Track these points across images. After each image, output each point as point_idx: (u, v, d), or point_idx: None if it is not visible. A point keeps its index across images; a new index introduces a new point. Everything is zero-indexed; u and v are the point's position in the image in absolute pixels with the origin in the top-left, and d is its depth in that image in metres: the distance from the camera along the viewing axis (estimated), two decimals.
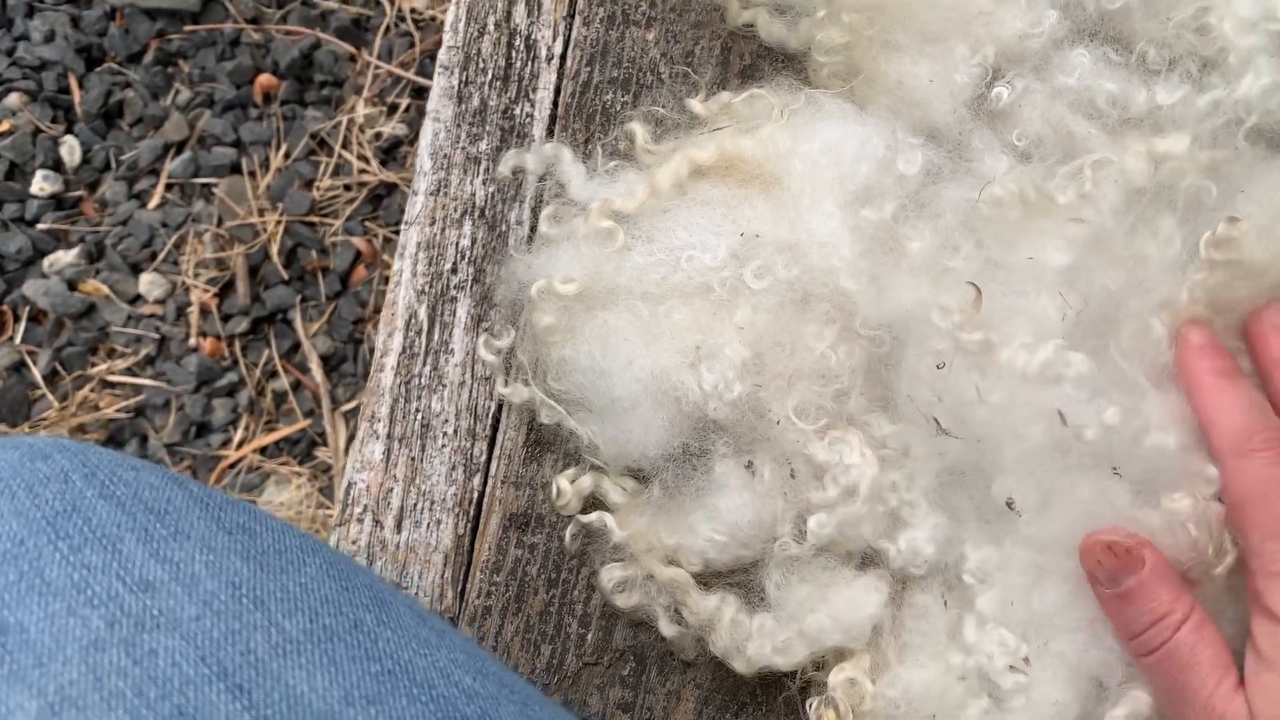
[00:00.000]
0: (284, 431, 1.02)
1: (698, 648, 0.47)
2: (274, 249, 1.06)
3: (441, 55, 0.64)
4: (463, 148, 0.61)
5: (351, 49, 1.10)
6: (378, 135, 1.07)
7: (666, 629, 0.46)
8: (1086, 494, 0.39)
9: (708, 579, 0.47)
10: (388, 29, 1.10)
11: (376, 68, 1.08)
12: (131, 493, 0.34)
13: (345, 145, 1.07)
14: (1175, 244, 0.45)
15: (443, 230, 0.61)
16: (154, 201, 1.09)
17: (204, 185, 1.09)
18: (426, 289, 0.59)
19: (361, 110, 1.07)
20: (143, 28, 1.12)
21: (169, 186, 1.09)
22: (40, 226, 1.10)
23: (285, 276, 1.06)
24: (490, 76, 0.62)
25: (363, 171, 1.06)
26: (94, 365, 1.06)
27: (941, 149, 0.49)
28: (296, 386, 1.04)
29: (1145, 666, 0.39)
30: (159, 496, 0.35)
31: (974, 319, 0.41)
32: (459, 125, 0.62)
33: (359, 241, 1.06)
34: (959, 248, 0.46)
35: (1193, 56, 0.50)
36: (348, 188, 1.06)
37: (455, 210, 0.61)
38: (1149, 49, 0.50)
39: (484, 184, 0.60)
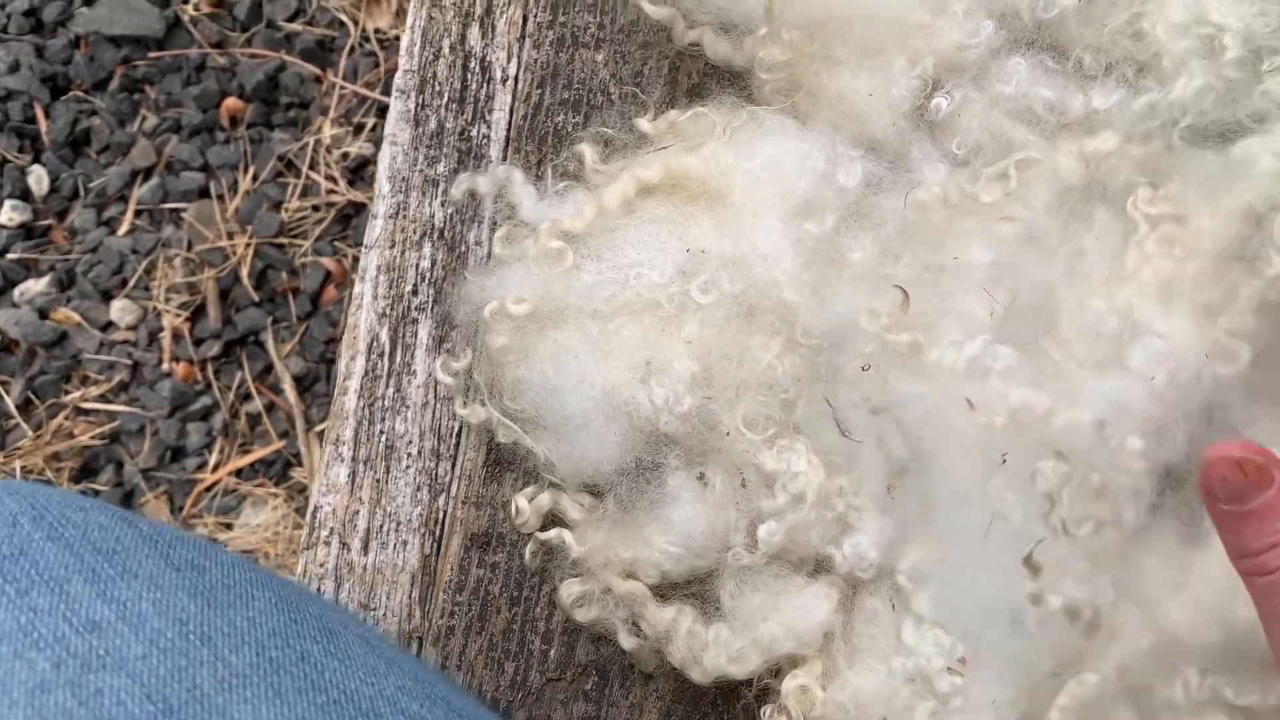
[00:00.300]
0: (259, 453, 1.02)
1: (657, 659, 0.48)
2: (244, 271, 1.06)
3: (397, 79, 0.65)
4: (420, 170, 0.62)
5: (317, 70, 1.11)
6: (345, 155, 1.07)
7: (626, 642, 0.47)
8: (1000, 484, 0.39)
9: (665, 591, 0.48)
10: (352, 49, 1.10)
11: (342, 88, 1.09)
12: (80, 534, 0.35)
13: (313, 166, 1.07)
14: (1114, 235, 0.46)
15: (403, 253, 0.61)
16: (123, 228, 1.09)
17: (173, 210, 1.09)
18: (388, 311, 0.60)
19: (328, 131, 1.07)
20: (108, 55, 1.12)
21: (138, 213, 1.09)
22: (10, 256, 1.10)
23: (256, 299, 1.07)
24: (446, 99, 0.63)
25: (331, 192, 1.07)
26: (67, 393, 1.06)
27: (882, 160, 0.50)
28: (270, 408, 1.05)
29: (1258, 588, 0.37)
30: (108, 536, 0.36)
31: (901, 321, 0.42)
32: (416, 148, 0.62)
33: (329, 262, 1.06)
34: (899, 255, 0.47)
35: (1128, 61, 0.51)
36: (316, 208, 1.07)
37: (414, 232, 0.61)
38: (1085, 55, 0.52)
39: (442, 206, 0.60)
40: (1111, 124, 0.49)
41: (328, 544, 0.57)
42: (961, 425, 0.41)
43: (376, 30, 1.10)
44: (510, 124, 0.61)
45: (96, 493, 1.05)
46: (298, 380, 1.04)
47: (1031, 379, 0.41)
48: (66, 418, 1.05)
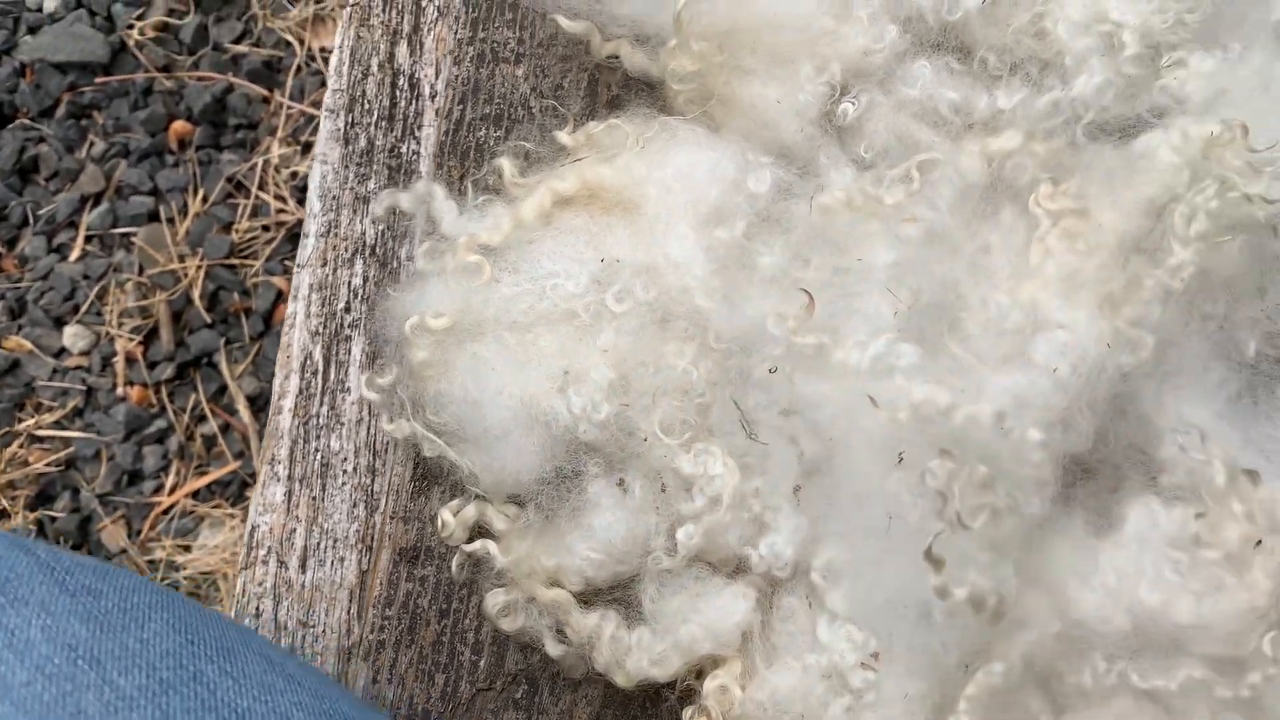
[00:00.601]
0: (215, 474, 1.02)
1: (584, 666, 0.48)
2: (196, 293, 1.06)
3: (326, 99, 0.65)
4: (351, 188, 0.62)
5: (264, 91, 1.11)
6: (294, 174, 1.08)
7: (552, 649, 0.48)
8: (897, 481, 0.40)
9: (589, 597, 0.48)
10: (299, 69, 1.11)
11: (289, 108, 1.09)
12: None
13: (262, 186, 1.08)
14: (1019, 232, 0.47)
15: (334, 270, 0.62)
16: (74, 254, 1.09)
17: (123, 235, 1.09)
18: (321, 329, 0.60)
19: (276, 151, 1.07)
20: (53, 82, 1.12)
21: (88, 238, 1.09)
22: None
23: (209, 320, 1.07)
24: (376, 117, 0.64)
25: (280, 211, 1.07)
26: (21, 421, 1.06)
27: (792, 166, 0.51)
28: (225, 429, 1.05)
29: None
30: (2, 565, 0.36)
31: (807, 323, 0.43)
32: (346, 166, 0.63)
33: (280, 281, 1.06)
34: (809, 259, 0.48)
35: (1032, 60, 0.52)
36: (266, 228, 1.07)
37: (346, 250, 0.62)
38: (989, 56, 0.53)
39: (373, 223, 0.61)
40: (1016, 123, 0.50)
41: (265, 563, 0.58)
42: (868, 424, 0.42)
43: (322, 49, 1.11)
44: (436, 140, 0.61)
45: (53, 520, 1.05)
46: (252, 400, 1.05)
47: (935, 376, 0.41)
48: (21, 445, 1.05)
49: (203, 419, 1.05)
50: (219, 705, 0.35)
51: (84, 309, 1.08)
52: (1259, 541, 0.40)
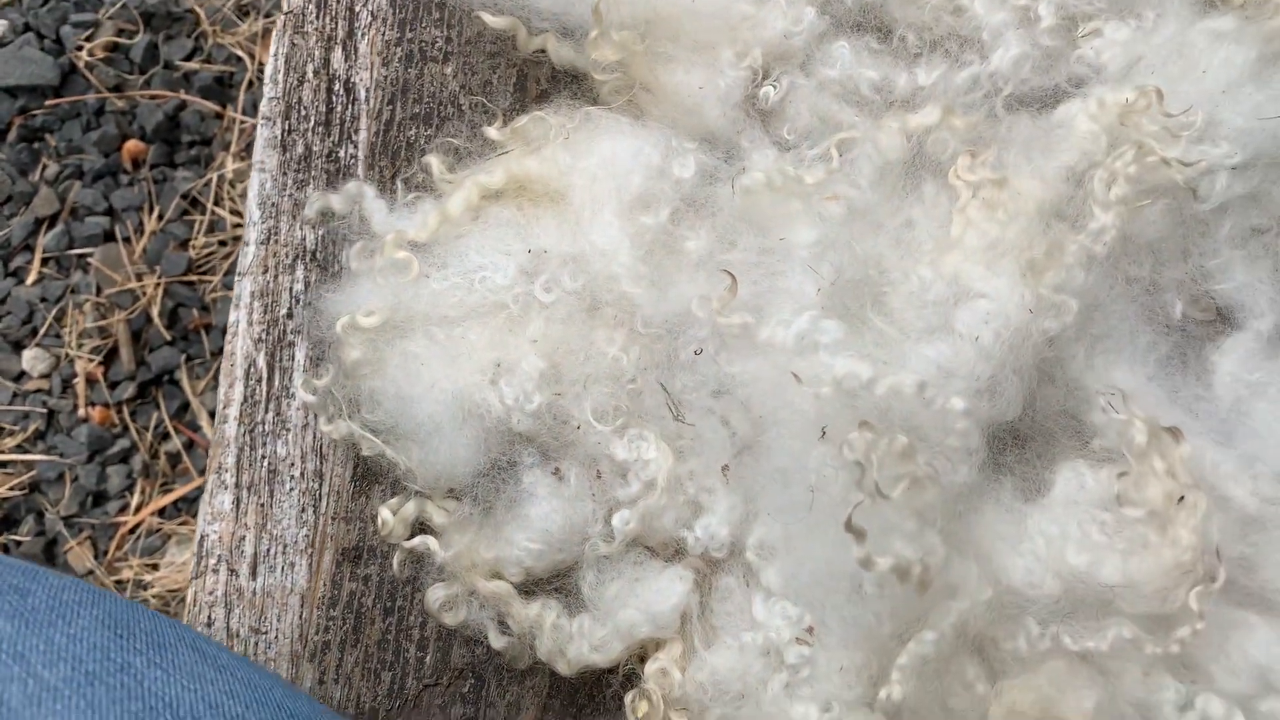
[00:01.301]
0: (180, 491, 1.02)
1: (529, 656, 0.48)
2: (155, 311, 1.06)
3: (263, 107, 0.65)
4: (290, 194, 0.62)
5: (216, 107, 1.11)
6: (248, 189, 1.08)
7: (496, 641, 0.48)
8: (820, 456, 0.40)
9: (530, 587, 0.48)
10: (250, 83, 1.11)
11: (242, 123, 1.09)
12: None
13: (217, 202, 1.07)
14: (942, 206, 0.48)
15: (275, 277, 0.61)
16: (31, 277, 1.09)
17: (80, 256, 1.09)
18: (264, 336, 0.60)
19: (230, 165, 1.07)
20: (3, 106, 1.12)
21: (44, 261, 1.09)
22: None
23: (169, 337, 1.06)
24: (313, 123, 0.64)
25: (236, 226, 1.07)
26: None
27: (717, 151, 0.51)
28: (189, 445, 1.04)
29: None
30: None
31: (730, 304, 0.43)
32: (285, 173, 0.63)
33: (235, 287, 1.06)
34: (735, 242, 0.48)
35: (951, 37, 0.53)
36: (223, 243, 1.07)
37: (287, 256, 0.61)
38: (908, 34, 0.53)
39: (310, 226, 0.61)
40: (937, 99, 0.51)
41: (216, 571, 0.57)
42: (793, 401, 0.42)
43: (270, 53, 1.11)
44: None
45: (19, 544, 1.05)
46: (215, 416, 1.04)
47: (859, 350, 0.42)
48: None
49: (166, 436, 1.05)
50: (145, 694, 0.35)
51: (43, 331, 1.08)
52: (1181, 498, 0.41)
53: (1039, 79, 0.51)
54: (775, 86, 0.51)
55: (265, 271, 0.62)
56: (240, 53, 1.13)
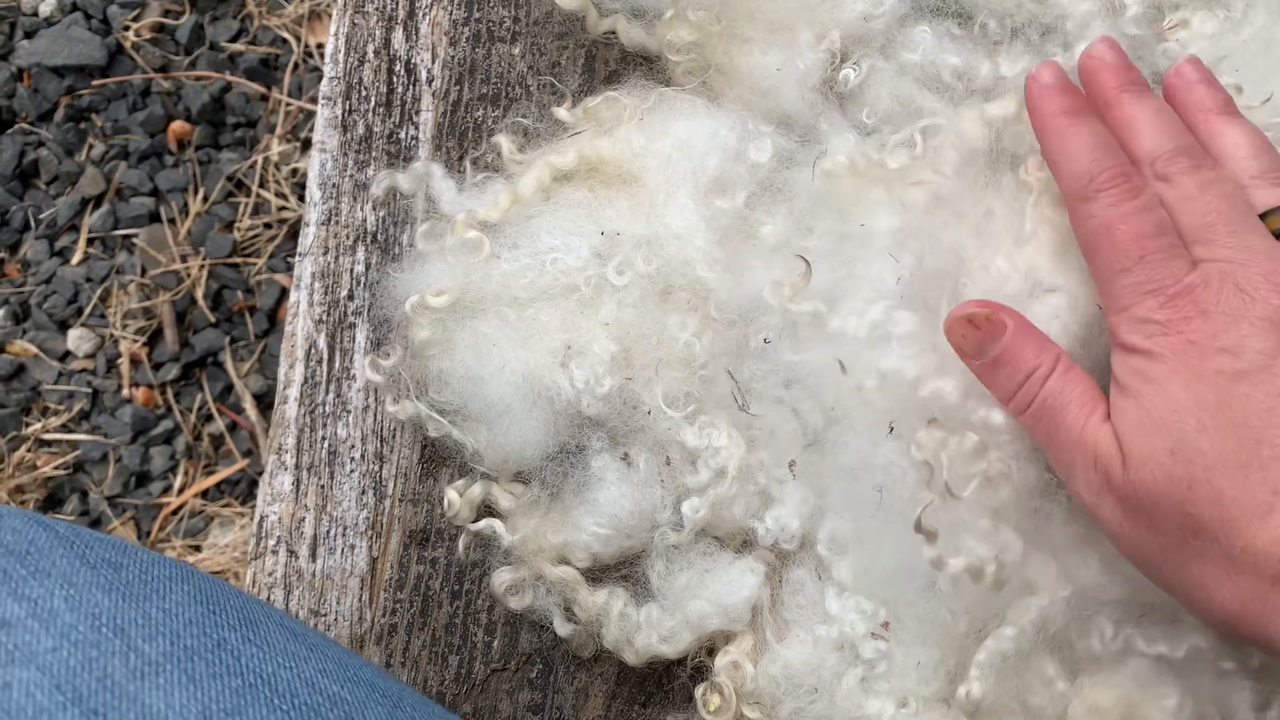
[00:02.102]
0: (224, 473, 1.02)
1: (594, 644, 0.48)
2: (199, 293, 1.06)
3: (324, 86, 0.65)
4: (350, 175, 0.62)
5: (262, 89, 1.11)
6: (294, 171, 1.08)
7: (561, 628, 0.47)
8: (889, 452, 0.39)
9: (597, 574, 0.48)
10: (296, 66, 1.10)
11: (288, 105, 1.09)
12: None
13: (262, 184, 1.07)
14: (1019, 197, 0.47)
15: (336, 258, 0.61)
16: (76, 257, 1.09)
17: (125, 236, 1.09)
18: (324, 318, 0.60)
19: (276, 148, 1.07)
20: (51, 86, 1.12)
21: (90, 241, 1.09)
22: None
23: (213, 319, 1.07)
24: (374, 103, 0.63)
25: (281, 208, 1.07)
26: (28, 425, 1.06)
27: (794, 134, 0.50)
28: (233, 427, 1.04)
29: (1025, 424, 0.41)
30: (21, 539, 0.36)
31: (803, 291, 0.42)
32: (345, 154, 0.62)
33: (283, 278, 1.06)
34: (812, 228, 0.47)
35: (1033, 25, 0.52)
36: (268, 225, 1.07)
37: (348, 237, 0.61)
38: (990, 21, 0.52)
39: (374, 209, 0.60)
40: (1019, 89, 0.50)
41: (275, 553, 0.57)
42: (863, 394, 0.41)
43: (319, 45, 1.11)
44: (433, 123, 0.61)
45: None
46: (259, 398, 1.04)
47: (930, 344, 0.41)
48: (28, 450, 1.05)
49: (209, 418, 1.05)
50: (244, 670, 0.35)
51: (88, 312, 1.08)
52: None
53: None
54: (855, 69, 0.50)
55: (326, 252, 0.61)
56: (286, 35, 1.13)
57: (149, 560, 0.38)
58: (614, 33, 0.56)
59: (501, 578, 0.47)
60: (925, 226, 0.45)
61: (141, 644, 0.34)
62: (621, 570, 0.48)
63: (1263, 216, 0.41)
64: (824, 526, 0.44)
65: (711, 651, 0.46)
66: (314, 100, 1.09)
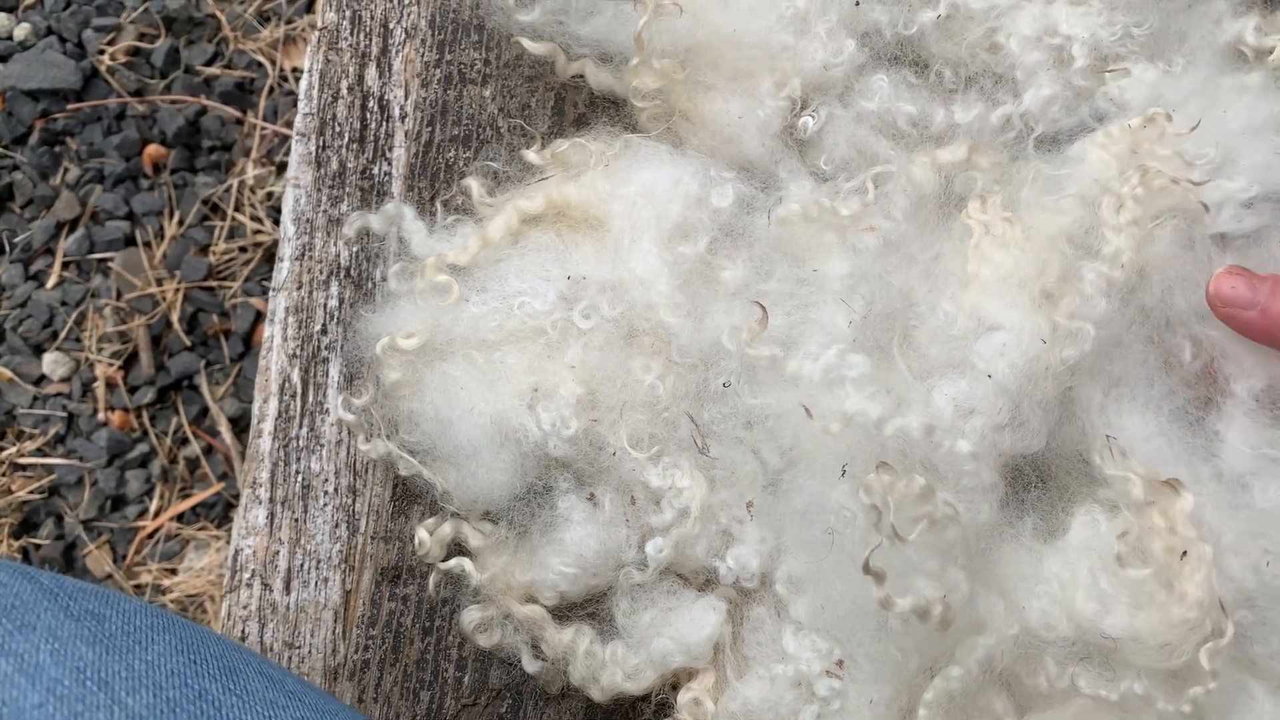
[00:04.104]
0: (199, 497, 1.02)
1: (562, 680, 0.49)
2: (175, 317, 1.07)
3: (298, 123, 0.66)
4: (324, 210, 0.63)
5: (237, 113, 1.11)
6: (269, 195, 1.08)
7: (529, 665, 0.48)
8: (840, 495, 0.41)
9: (564, 612, 0.49)
10: (271, 90, 1.11)
11: (263, 129, 1.10)
12: None
13: (238, 208, 1.08)
14: (967, 240, 0.48)
15: (310, 293, 0.62)
16: (51, 281, 1.09)
17: (100, 260, 1.09)
18: (298, 352, 0.61)
19: (251, 172, 1.08)
20: (26, 109, 1.13)
21: (65, 265, 1.10)
22: None
23: (188, 343, 1.07)
24: (347, 139, 0.64)
25: (257, 232, 1.08)
26: (2, 450, 1.06)
27: (755, 180, 0.52)
28: (208, 451, 1.05)
29: None
30: (6, 593, 0.37)
31: (760, 336, 0.43)
32: (319, 189, 0.63)
33: (258, 302, 1.07)
34: (771, 272, 0.48)
35: (987, 74, 0.54)
36: (243, 249, 1.07)
37: (321, 272, 0.62)
38: (945, 70, 0.54)
39: (347, 244, 0.61)
40: (972, 135, 0.51)
41: (250, 586, 0.58)
42: (817, 437, 0.43)
43: (294, 69, 1.11)
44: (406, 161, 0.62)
45: (38, 547, 1.05)
46: (234, 421, 1.05)
47: (882, 385, 0.42)
48: (3, 474, 1.05)
49: (185, 442, 1.06)
50: None
51: (63, 335, 1.08)
52: (1184, 553, 0.41)
53: (1067, 118, 0.52)
54: (814, 117, 0.52)
55: (300, 287, 0.62)
56: (261, 59, 1.13)
57: (132, 609, 0.39)
58: (582, 76, 0.57)
59: (471, 615, 0.48)
60: (876, 271, 0.46)
61: (125, 697, 0.34)
62: (588, 608, 0.49)
63: None
64: (782, 566, 0.45)
65: (676, 687, 0.47)
66: (289, 125, 1.10)
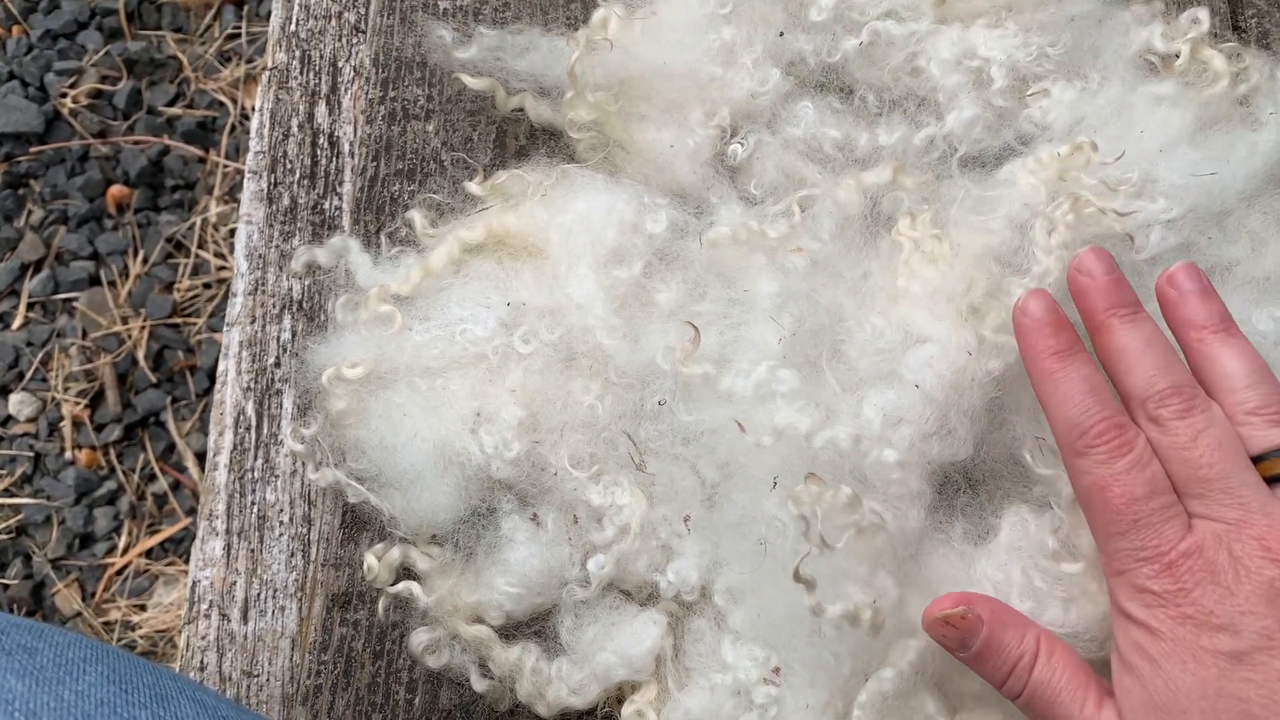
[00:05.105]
0: (167, 532, 1.03)
1: (510, 698, 0.50)
2: (140, 354, 1.08)
3: (249, 160, 0.67)
4: (276, 246, 0.64)
5: (199, 152, 1.13)
6: (232, 232, 1.09)
7: (477, 684, 0.49)
8: (771, 506, 0.42)
9: (511, 631, 0.50)
10: (233, 128, 1.13)
11: (225, 166, 1.11)
12: None
13: (201, 245, 1.09)
14: (894, 257, 0.50)
15: (264, 327, 0.63)
16: (17, 322, 1.10)
17: (65, 300, 1.10)
18: (252, 385, 0.62)
19: (214, 209, 1.09)
20: None
21: (30, 306, 1.10)
22: None
23: (154, 380, 1.08)
24: (298, 176, 0.66)
25: (220, 269, 1.09)
26: None
27: (688, 206, 0.54)
28: (176, 486, 1.06)
29: (1020, 708, 0.41)
30: None
31: (692, 355, 0.45)
32: (271, 225, 0.65)
33: (223, 337, 1.08)
34: (705, 294, 0.50)
35: (910, 98, 0.56)
36: (207, 285, 1.09)
37: (274, 306, 0.63)
38: (869, 95, 0.56)
39: (295, 278, 0.63)
40: (897, 157, 0.53)
41: (208, 616, 0.59)
42: (749, 451, 0.44)
43: (255, 108, 1.13)
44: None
45: (6, 587, 1.05)
46: (201, 457, 1.05)
47: (813, 399, 0.44)
48: None
49: (153, 478, 1.06)
50: None
51: (29, 376, 1.09)
52: None
53: (991, 139, 0.54)
54: (743, 144, 0.54)
55: (253, 321, 0.63)
56: (223, 98, 1.15)
57: (65, 642, 0.40)
58: (522, 110, 0.59)
59: (419, 638, 0.49)
60: (804, 289, 0.48)
61: None
62: (533, 626, 0.50)
63: (1258, 459, 0.40)
64: (720, 578, 0.46)
65: (620, 700, 0.48)
66: None
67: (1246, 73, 0.53)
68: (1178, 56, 0.53)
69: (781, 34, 0.55)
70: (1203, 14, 0.54)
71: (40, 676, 0.37)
